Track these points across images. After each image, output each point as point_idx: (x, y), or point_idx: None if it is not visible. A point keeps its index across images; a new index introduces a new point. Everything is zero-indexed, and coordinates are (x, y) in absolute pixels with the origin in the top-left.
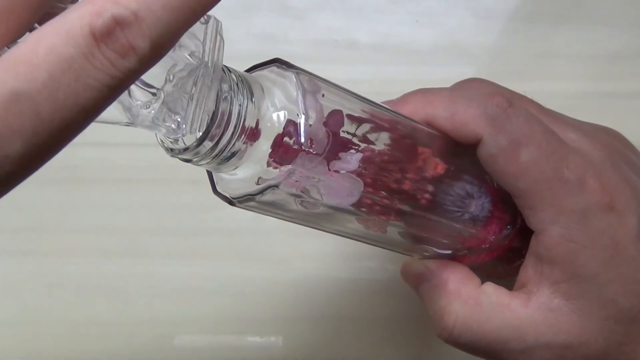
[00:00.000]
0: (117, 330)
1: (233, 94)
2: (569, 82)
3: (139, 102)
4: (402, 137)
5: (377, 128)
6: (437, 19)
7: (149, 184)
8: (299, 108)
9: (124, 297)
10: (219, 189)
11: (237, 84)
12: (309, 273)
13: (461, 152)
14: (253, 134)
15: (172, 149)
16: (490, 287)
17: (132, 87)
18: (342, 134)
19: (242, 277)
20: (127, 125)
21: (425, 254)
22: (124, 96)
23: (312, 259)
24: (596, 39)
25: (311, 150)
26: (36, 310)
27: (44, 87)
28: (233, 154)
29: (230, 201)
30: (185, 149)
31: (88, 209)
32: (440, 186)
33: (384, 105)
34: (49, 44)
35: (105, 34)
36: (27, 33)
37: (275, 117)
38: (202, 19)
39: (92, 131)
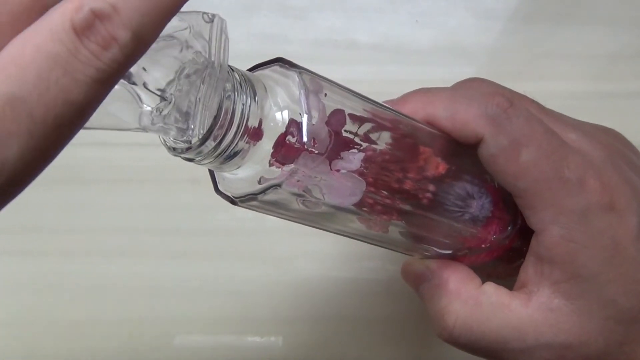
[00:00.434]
0: (117, 330)
1: (236, 94)
2: (569, 82)
3: (149, 107)
4: (403, 136)
5: (379, 127)
6: (437, 19)
7: (149, 184)
8: (301, 107)
9: (124, 297)
10: (221, 188)
11: (240, 84)
12: (309, 273)
13: (462, 152)
14: (256, 134)
15: (174, 148)
16: (490, 287)
17: (141, 93)
18: (344, 134)
19: (242, 277)
20: (137, 131)
21: (426, 253)
22: (133, 103)
23: (312, 259)
24: (596, 39)
25: (313, 149)
26: (36, 310)
27: (34, 87)
28: (236, 153)
29: (233, 200)
30: (188, 148)
31: (88, 209)
32: (441, 186)
33: (385, 104)
34: (34, 43)
35: (86, 28)
36: None
37: (278, 117)
38: (206, 18)
39: (92, 131)
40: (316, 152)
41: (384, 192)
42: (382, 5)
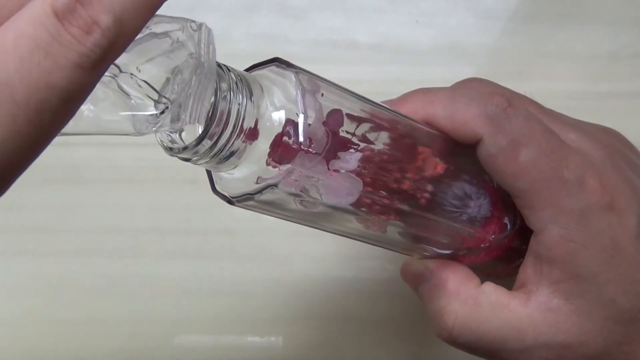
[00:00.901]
0: (117, 330)
1: (232, 93)
2: (569, 82)
3: (145, 113)
4: (401, 136)
5: (377, 127)
6: (437, 19)
7: (149, 184)
8: (298, 107)
9: (124, 297)
10: (218, 188)
11: (236, 83)
12: (309, 273)
13: (461, 152)
14: (252, 133)
15: (171, 148)
16: (489, 287)
17: (134, 95)
18: (341, 134)
19: (242, 277)
20: (134, 136)
21: (425, 253)
22: (128, 107)
23: (312, 259)
24: (596, 39)
25: (310, 149)
26: (36, 310)
27: (16, 70)
28: (232, 153)
29: (230, 200)
30: (184, 148)
31: (88, 209)
32: (440, 186)
33: (383, 104)
34: (16, 29)
35: (67, 12)
36: None
37: (275, 117)
38: (194, 27)
39: None
40: (313, 152)
41: (382, 192)
42: (382, 5)
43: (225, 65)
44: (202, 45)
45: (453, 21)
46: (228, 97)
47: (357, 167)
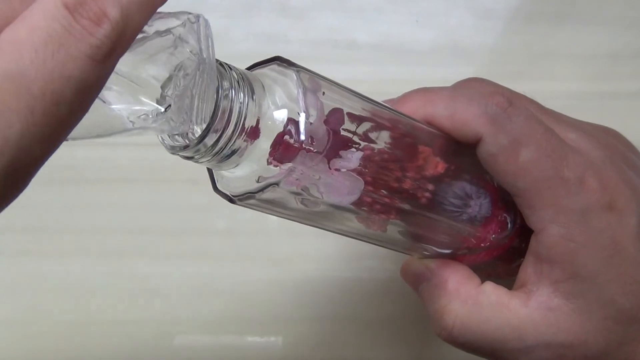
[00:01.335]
0: (117, 330)
1: (234, 92)
2: (569, 82)
3: (148, 108)
4: (402, 135)
5: (378, 126)
6: (437, 19)
7: (149, 184)
8: (299, 106)
9: (124, 297)
10: (219, 186)
11: (238, 82)
12: (309, 273)
13: (461, 151)
14: (254, 132)
15: (172, 147)
16: (489, 287)
17: (140, 93)
18: (342, 133)
19: (242, 277)
20: (138, 133)
21: (425, 253)
22: (133, 103)
23: (312, 259)
24: (596, 39)
25: (311, 148)
26: (36, 310)
27: (31, 62)
28: (233, 152)
29: (231, 199)
30: (186, 147)
31: (88, 209)
32: (441, 185)
33: (384, 104)
34: (29, 23)
35: (77, 4)
36: None
37: (276, 115)
38: (192, 19)
39: None
40: (314, 150)
41: (383, 191)
42: (382, 5)
43: (226, 64)
44: (202, 40)
45: (453, 21)
46: (230, 95)
47: (358, 166)
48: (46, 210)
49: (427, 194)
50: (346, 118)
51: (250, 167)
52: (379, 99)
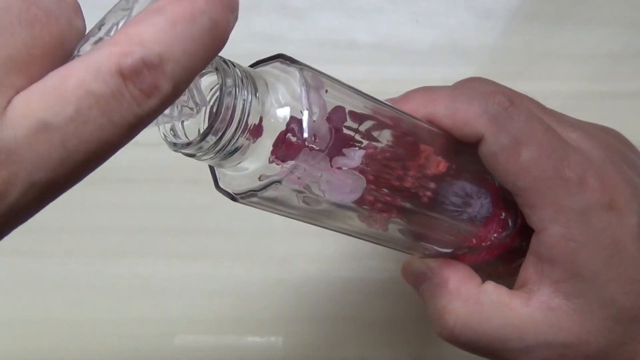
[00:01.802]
0: (117, 330)
1: (237, 89)
2: (569, 82)
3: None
4: (404, 134)
5: (380, 125)
6: (437, 19)
7: (149, 184)
8: (302, 104)
9: (124, 297)
10: (221, 184)
11: (241, 79)
12: (309, 273)
13: (462, 150)
14: (256, 130)
15: (175, 144)
16: (490, 286)
17: None
18: (344, 131)
19: (242, 277)
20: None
21: (426, 252)
22: None
23: (312, 259)
24: (596, 39)
25: (314, 146)
26: (36, 310)
27: (72, 120)
28: (236, 149)
29: (233, 197)
30: (189, 144)
31: (88, 209)
32: (442, 184)
33: (386, 102)
34: (78, 78)
35: (134, 74)
36: None
37: (279, 113)
38: None
39: None
40: (317, 148)
41: (385, 189)
42: (382, 5)
43: (230, 61)
44: None
45: (453, 21)
46: (233, 92)
47: (360, 164)
48: (46, 210)
49: (429, 193)
50: (348, 116)
51: (252, 165)
52: (379, 98)
